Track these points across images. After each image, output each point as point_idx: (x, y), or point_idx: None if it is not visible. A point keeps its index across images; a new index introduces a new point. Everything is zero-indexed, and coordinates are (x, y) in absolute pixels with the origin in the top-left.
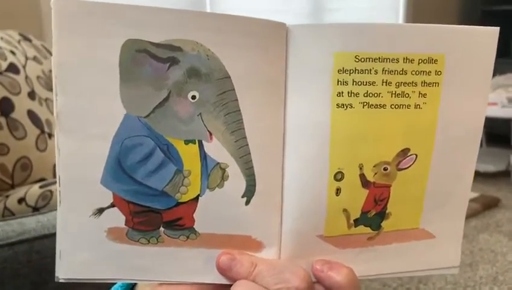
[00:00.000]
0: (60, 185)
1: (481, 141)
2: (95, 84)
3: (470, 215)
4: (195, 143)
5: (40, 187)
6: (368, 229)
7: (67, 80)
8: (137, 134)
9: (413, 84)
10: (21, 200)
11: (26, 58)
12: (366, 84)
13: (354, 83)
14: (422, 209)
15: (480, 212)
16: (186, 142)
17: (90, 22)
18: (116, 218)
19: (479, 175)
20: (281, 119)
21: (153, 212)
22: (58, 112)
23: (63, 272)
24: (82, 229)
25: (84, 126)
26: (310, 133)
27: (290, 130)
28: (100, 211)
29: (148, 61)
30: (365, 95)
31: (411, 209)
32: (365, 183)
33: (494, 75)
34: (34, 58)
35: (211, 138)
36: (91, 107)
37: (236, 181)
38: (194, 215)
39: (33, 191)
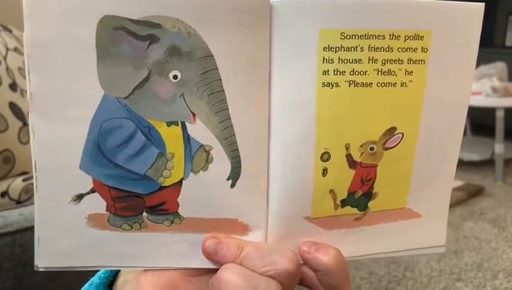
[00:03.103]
0: (36, 171)
1: (465, 130)
2: (71, 63)
3: (455, 203)
4: (178, 125)
5: (23, 180)
6: (355, 210)
7: (40, 59)
8: (116, 116)
9: (400, 62)
10: (4, 194)
11: (7, 49)
12: (352, 62)
13: (340, 60)
14: (409, 189)
15: (465, 200)
16: (169, 124)
17: None
18: (97, 204)
19: (463, 164)
20: (265, 99)
21: (135, 197)
22: (31, 93)
23: (42, 260)
24: (61, 216)
25: (60, 108)
26: (296, 113)
27: (275, 110)
28: (80, 197)
29: (127, 39)
30: (351, 73)
31: (398, 189)
32: (352, 163)
33: (478, 64)
34: (15, 49)
35: (194, 120)
36: (67, 87)
37: (221, 163)
38: (178, 199)
39: (16, 184)
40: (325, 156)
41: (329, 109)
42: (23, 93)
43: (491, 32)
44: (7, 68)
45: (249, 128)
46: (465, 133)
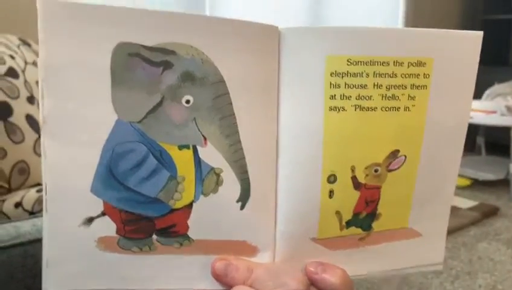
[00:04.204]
0: (46, 193)
1: (480, 149)
2: (85, 88)
3: (469, 223)
4: (189, 148)
5: (37, 191)
6: (359, 230)
7: (54, 83)
8: (129, 140)
9: (403, 87)
10: (17, 205)
11: (26, 63)
12: (358, 87)
13: (346, 86)
14: (411, 209)
15: (479, 220)
16: (180, 147)
17: (79, 23)
18: (107, 227)
19: (478, 183)
20: (274, 123)
21: (146, 219)
22: (44, 116)
23: (51, 283)
24: (70, 239)
25: (72, 131)
26: (303, 136)
27: (284, 133)
28: (90, 220)
29: (141, 65)
30: (357, 98)
31: (400, 209)
32: (357, 185)
33: (492, 83)
34: (33, 63)
35: (206, 143)
36: (80, 112)
37: (231, 186)
38: (188, 221)
39: (30, 195)
40: (332, 178)
41: (336, 132)
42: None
43: (506, 51)
44: (25, 81)
45: (258, 151)
46: (479, 153)
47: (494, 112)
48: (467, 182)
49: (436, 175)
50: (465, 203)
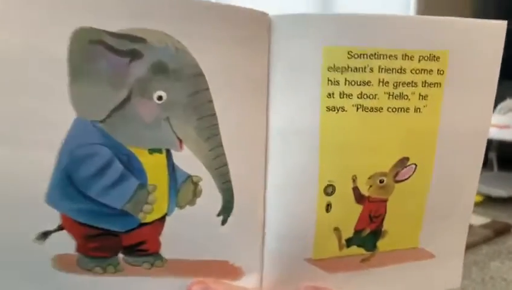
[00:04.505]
0: None
1: (492, 165)
2: (38, 81)
3: (481, 241)
4: (161, 153)
5: None
6: (362, 250)
7: (2, 75)
8: (90, 142)
9: (413, 85)
10: None
11: None
12: (360, 84)
13: (347, 82)
14: (422, 226)
15: (492, 238)
16: (151, 151)
17: (30, 5)
18: (65, 243)
19: (490, 200)
20: (263, 125)
21: (111, 235)
22: None
23: None
24: (22, 256)
25: (24, 132)
26: (297, 140)
27: (274, 137)
28: (45, 234)
29: (105, 54)
30: (359, 96)
31: (410, 226)
32: (359, 197)
33: (505, 97)
34: None
35: (181, 147)
36: (33, 109)
37: (210, 197)
38: (160, 238)
39: None
40: (329, 189)
41: (335, 136)
42: None
43: None
44: None
45: (243, 157)
46: (491, 169)
47: (507, 127)
48: (479, 199)
49: (452, 187)
50: (477, 220)
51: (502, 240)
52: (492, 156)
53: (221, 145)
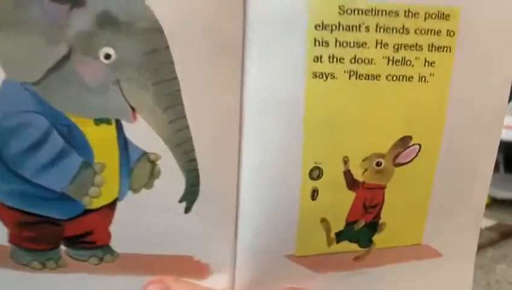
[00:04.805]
0: None
1: (498, 166)
2: None
3: (486, 244)
4: (110, 124)
5: None
6: (355, 246)
7: None
8: (22, 109)
9: (418, 48)
10: None
11: None
12: (353, 46)
13: (338, 44)
14: (426, 219)
15: (497, 241)
16: (98, 122)
17: None
18: None
19: (496, 202)
20: (236, 93)
21: (50, 223)
22: None
23: None
24: None
25: None
26: (277, 113)
27: (250, 108)
28: None
29: (38, 0)
30: (352, 61)
31: (412, 218)
32: (351, 183)
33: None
34: None
35: (135, 117)
36: None
37: (171, 179)
38: (109, 228)
39: None
40: (316, 173)
41: (322, 108)
42: None
43: None
44: None
45: (212, 132)
46: (497, 170)
47: None
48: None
49: (463, 173)
50: (482, 222)
51: (508, 243)
52: (499, 157)
53: (184, 117)
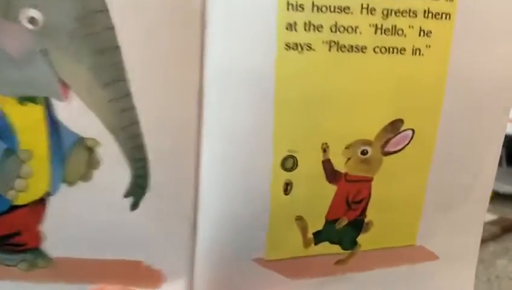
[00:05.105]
0: None
1: (501, 160)
2: None
3: (488, 239)
4: (38, 103)
5: None
6: (336, 248)
7: None
8: None
9: (411, 15)
10: None
11: None
12: (334, 11)
13: (315, 8)
14: (421, 216)
15: (499, 236)
16: (22, 100)
17: None
18: None
19: (498, 196)
20: (195, 66)
21: None
22: None
23: None
24: None
25: None
26: (243, 92)
27: (211, 85)
28: None
29: None
30: (332, 29)
31: (404, 216)
32: (332, 175)
33: None
34: None
35: (67, 95)
36: None
37: (114, 170)
38: (40, 227)
39: None
40: (289, 163)
41: (297, 86)
42: None
43: None
44: None
45: (165, 113)
46: (500, 164)
47: None
48: None
49: (464, 163)
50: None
51: (510, 238)
52: (502, 151)
53: (129, 95)
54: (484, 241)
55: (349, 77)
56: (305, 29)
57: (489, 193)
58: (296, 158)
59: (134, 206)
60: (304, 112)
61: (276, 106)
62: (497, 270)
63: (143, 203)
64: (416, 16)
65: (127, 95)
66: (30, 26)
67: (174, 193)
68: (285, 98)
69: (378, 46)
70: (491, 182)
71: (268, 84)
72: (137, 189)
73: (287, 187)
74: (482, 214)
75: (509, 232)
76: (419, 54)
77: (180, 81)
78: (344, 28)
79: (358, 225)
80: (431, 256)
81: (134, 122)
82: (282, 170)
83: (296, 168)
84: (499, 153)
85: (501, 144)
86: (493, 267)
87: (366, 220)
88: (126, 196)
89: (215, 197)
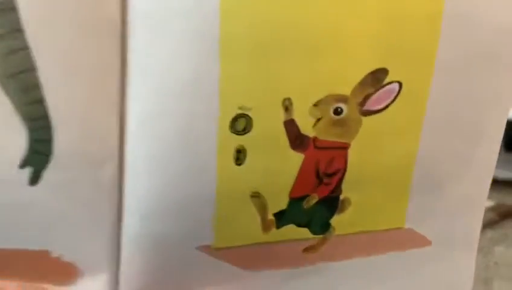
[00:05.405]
0: None
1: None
2: None
3: (485, 225)
4: None
5: None
6: (305, 232)
7: None
8: None
9: None
10: None
11: None
12: None
13: None
14: (409, 193)
15: (497, 222)
16: None
17: None
18: None
19: (495, 182)
20: (116, 4)
21: None
22: None
23: None
24: None
25: None
26: (177, 33)
27: (137, 21)
28: None
29: None
30: None
31: (389, 193)
32: (297, 139)
33: None
34: None
35: None
36: None
37: (4, 132)
38: None
39: None
40: (241, 124)
41: (248, 23)
42: None
43: None
44: None
45: (71, 57)
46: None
47: None
48: None
49: (462, 129)
50: None
51: (508, 224)
52: None
53: (21, 30)
54: (482, 228)
55: (316, 10)
56: None
57: (493, 167)
58: (249, 117)
59: (34, 179)
60: (258, 57)
61: (222, 48)
62: (495, 257)
63: (46, 177)
64: None
65: (18, 30)
66: None
67: (90, 164)
68: (232, 39)
69: None
70: (495, 154)
71: (211, 18)
72: (38, 157)
73: (239, 155)
74: (484, 192)
75: (507, 219)
76: None
77: (91, 16)
78: None
79: (331, 204)
80: (423, 241)
81: (29, 69)
82: (231, 133)
83: (249, 130)
84: (506, 117)
85: (510, 105)
86: (491, 254)
87: (341, 197)
88: (22, 165)
89: (145, 171)
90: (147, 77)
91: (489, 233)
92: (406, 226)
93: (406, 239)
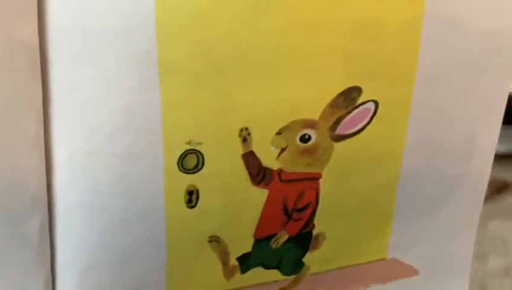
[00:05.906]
0: None
1: None
2: None
3: None
4: None
5: None
6: (274, 274)
7: None
8: None
9: None
10: None
11: None
12: None
13: None
14: (392, 221)
15: (490, 197)
16: None
17: None
18: None
19: None
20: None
21: None
22: None
23: None
24: None
25: None
26: (107, 55)
27: (57, 46)
28: None
29: None
30: None
31: (368, 223)
32: (258, 174)
33: None
34: None
35: None
36: None
37: None
38: None
39: None
40: (190, 161)
41: (192, 48)
42: None
43: None
44: None
45: None
46: None
47: None
48: None
49: (450, 148)
50: None
51: (501, 199)
52: None
53: None
54: None
55: (271, 25)
56: None
57: (485, 185)
58: (200, 153)
59: None
60: (206, 82)
61: (162, 73)
62: (489, 232)
63: None
64: None
65: None
66: None
67: (12, 218)
68: (173, 60)
69: None
70: (487, 170)
71: (145, 38)
72: None
73: (191, 197)
74: (476, 213)
75: (500, 193)
76: None
77: (6, 34)
78: None
79: (304, 241)
80: (409, 271)
81: None
82: (180, 172)
83: (201, 168)
84: (498, 131)
85: (501, 117)
86: (485, 229)
87: (314, 232)
88: None
89: (79, 220)
90: (73, 111)
91: (483, 208)
92: (390, 256)
93: (390, 270)
